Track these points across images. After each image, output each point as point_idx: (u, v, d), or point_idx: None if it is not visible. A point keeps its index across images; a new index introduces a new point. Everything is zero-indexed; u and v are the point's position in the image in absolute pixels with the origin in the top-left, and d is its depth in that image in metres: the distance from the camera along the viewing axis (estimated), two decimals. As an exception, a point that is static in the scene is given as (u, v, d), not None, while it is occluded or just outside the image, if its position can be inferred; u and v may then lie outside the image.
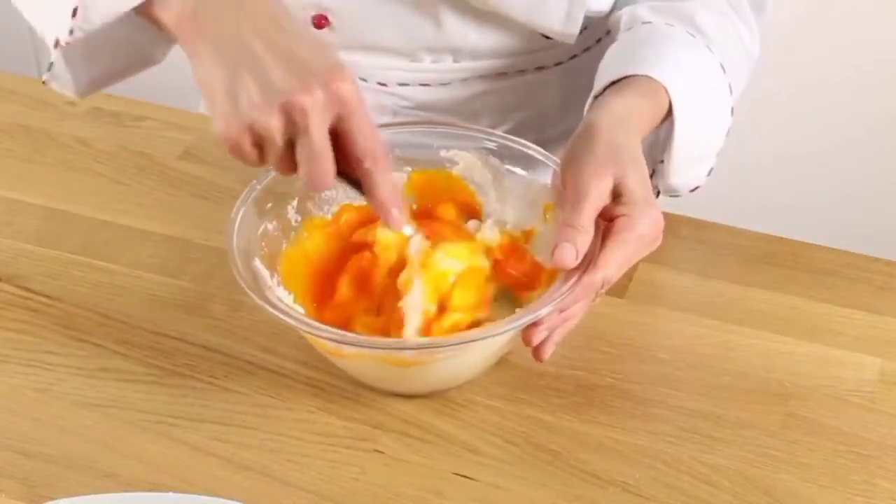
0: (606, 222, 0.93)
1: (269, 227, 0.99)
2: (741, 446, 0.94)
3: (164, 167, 1.20)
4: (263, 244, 0.97)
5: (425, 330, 0.92)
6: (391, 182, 0.89)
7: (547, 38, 1.15)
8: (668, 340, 1.02)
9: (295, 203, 1.00)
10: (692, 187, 1.09)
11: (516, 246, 1.00)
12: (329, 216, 1.02)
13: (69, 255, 1.10)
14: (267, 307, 0.90)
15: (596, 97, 1.02)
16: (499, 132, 1.04)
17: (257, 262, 0.95)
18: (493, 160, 1.03)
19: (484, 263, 0.96)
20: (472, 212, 1.03)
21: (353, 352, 0.93)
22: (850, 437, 0.95)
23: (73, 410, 0.96)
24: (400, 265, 0.95)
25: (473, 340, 0.90)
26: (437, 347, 0.92)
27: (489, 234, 1.00)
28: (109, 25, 0.92)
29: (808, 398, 0.98)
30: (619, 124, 0.97)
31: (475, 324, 0.93)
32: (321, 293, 0.98)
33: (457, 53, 1.17)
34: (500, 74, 1.20)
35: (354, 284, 0.97)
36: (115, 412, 0.96)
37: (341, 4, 1.15)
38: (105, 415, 0.96)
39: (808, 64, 2.00)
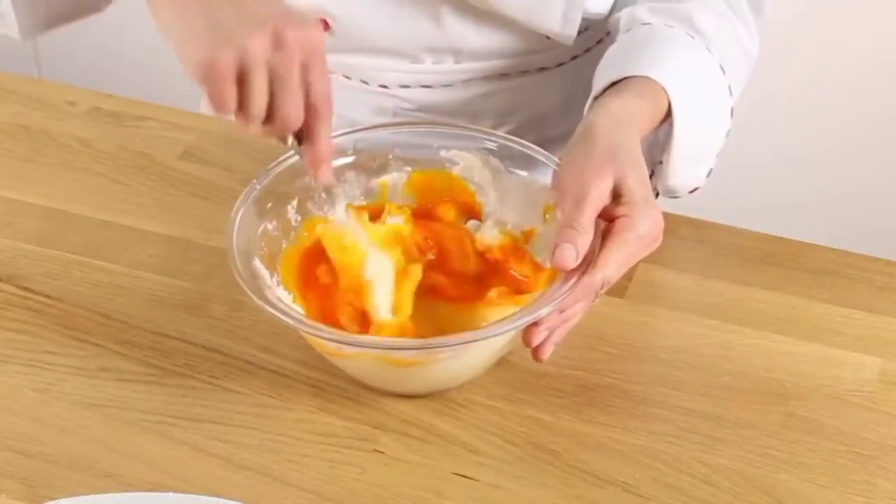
0: (606, 223, 0.93)
1: (269, 226, 0.99)
2: (741, 446, 0.94)
3: (164, 167, 1.20)
4: (263, 244, 0.97)
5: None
6: (330, 137, 0.92)
7: (548, 38, 1.15)
8: (668, 340, 1.02)
9: (295, 203, 1.00)
10: (691, 188, 1.09)
11: (516, 246, 1.00)
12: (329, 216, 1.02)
13: (69, 255, 1.10)
14: (266, 307, 0.90)
15: (595, 98, 1.02)
16: (499, 132, 1.04)
17: (257, 262, 0.95)
18: (494, 160, 1.03)
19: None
20: (472, 212, 1.03)
21: (353, 352, 0.93)
22: (850, 437, 0.95)
23: (73, 410, 0.96)
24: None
25: (473, 340, 0.90)
26: (437, 347, 0.92)
27: (489, 234, 1.00)
28: None
29: (808, 398, 0.98)
30: (619, 125, 0.97)
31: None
32: (310, 285, 0.98)
33: (458, 54, 1.17)
34: (502, 75, 1.20)
35: (332, 273, 0.97)
36: (115, 412, 0.96)
37: (342, 7, 1.15)
38: (105, 415, 0.96)
39: (807, 64, 2.00)
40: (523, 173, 1.02)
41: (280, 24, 0.85)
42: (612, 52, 1.07)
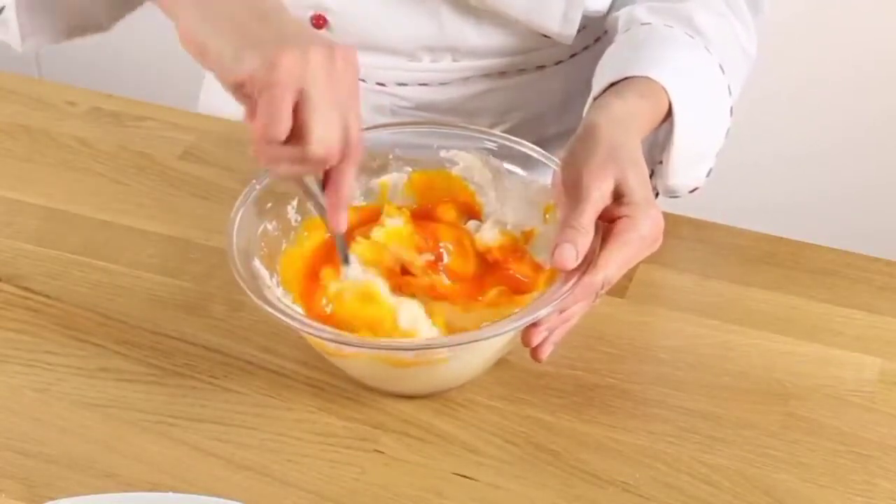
0: (607, 223, 0.93)
1: (269, 227, 0.99)
2: (741, 446, 0.94)
3: (164, 167, 1.20)
4: (263, 244, 0.97)
5: None
6: (353, 183, 0.89)
7: (546, 37, 1.15)
8: (668, 340, 1.02)
9: (295, 203, 1.00)
10: (691, 188, 1.09)
11: (516, 246, 1.00)
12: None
13: (69, 255, 1.10)
14: (266, 307, 0.90)
15: (595, 98, 1.02)
16: (499, 132, 1.04)
17: (257, 262, 0.95)
18: (493, 161, 1.03)
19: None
20: (472, 212, 1.03)
21: (353, 352, 0.93)
22: (850, 437, 0.95)
23: (73, 410, 0.96)
24: None
25: (473, 340, 0.90)
26: (437, 348, 0.92)
27: (489, 234, 1.00)
28: None
29: (808, 398, 0.98)
30: (619, 125, 0.97)
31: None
32: (313, 287, 0.98)
33: (456, 52, 1.17)
34: (500, 74, 1.20)
35: (336, 276, 0.97)
36: (115, 412, 0.96)
37: (340, 4, 1.15)
38: (105, 415, 0.96)
39: (807, 64, 2.00)
40: (523, 173, 1.02)
41: (311, 46, 0.81)
42: (611, 52, 1.07)
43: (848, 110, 2.04)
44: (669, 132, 1.03)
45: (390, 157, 1.04)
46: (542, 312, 0.90)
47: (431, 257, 0.99)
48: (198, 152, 1.21)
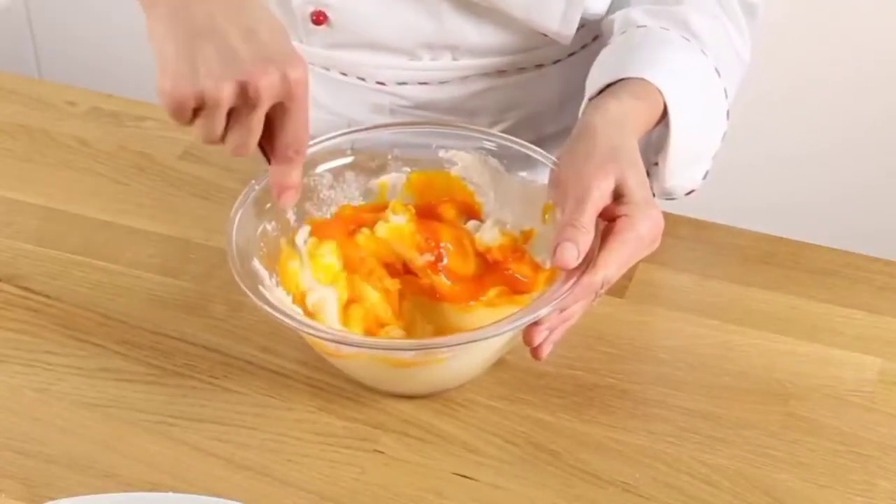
0: (606, 222, 0.93)
1: (268, 227, 0.99)
2: (741, 446, 0.94)
3: (163, 167, 1.20)
4: (262, 244, 0.97)
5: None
6: (300, 173, 0.91)
7: (545, 36, 1.15)
8: (668, 340, 1.02)
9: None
10: (688, 190, 1.09)
11: (516, 246, 1.00)
12: (328, 216, 1.02)
13: (69, 255, 1.10)
14: (266, 307, 0.90)
15: (590, 99, 1.02)
16: (498, 132, 1.04)
17: (256, 263, 0.95)
18: (492, 160, 1.03)
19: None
20: (471, 212, 1.03)
21: (352, 352, 0.93)
22: (850, 437, 0.95)
23: (73, 410, 0.96)
24: None
25: (473, 340, 0.90)
26: (437, 348, 0.92)
27: (488, 234, 1.00)
28: None
29: (808, 398, 0.98)
30: (616, 126, 0.97)
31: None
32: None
33: (456, 51, 1.17)
34: (500, 72, 1.20)
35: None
36: (115, 412, 0.96)
37: (341, 1, 1.15)
38: (105, 415, 0.96)
39: (807, 64, 2.00)
40: (522, 173, 1.02)
41: (257, 70, 0.84)
42: (606, 53, 1.07)
43: (848, 110, 2.04)
44: (664, 134, 1.03)
45: (389, 157, 1.04)
46: (542, 312, 0.90)
47: (432, 258, 0.99)
48: (198, 152, 1.21)
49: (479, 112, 1.21)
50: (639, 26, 1.08)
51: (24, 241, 1.11)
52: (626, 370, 1.00)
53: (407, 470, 0.93)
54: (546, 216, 0.99)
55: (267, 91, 0.84)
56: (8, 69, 1.34)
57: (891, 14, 1.96)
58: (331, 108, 1.22)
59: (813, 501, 0.91)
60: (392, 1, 1.14)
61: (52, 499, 0.87)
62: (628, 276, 1.04)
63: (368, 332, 0.96)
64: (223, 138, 0.88)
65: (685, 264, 1.10)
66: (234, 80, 0.84)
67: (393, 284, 0.98)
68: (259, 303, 0.90)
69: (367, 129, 1.05)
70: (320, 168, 1.03)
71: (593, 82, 1.03)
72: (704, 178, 1.09)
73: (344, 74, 1.21)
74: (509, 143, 1.02)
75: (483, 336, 0.90)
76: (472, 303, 0.98)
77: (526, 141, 1.02)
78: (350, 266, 0.98)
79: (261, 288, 0.92)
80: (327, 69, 1.20)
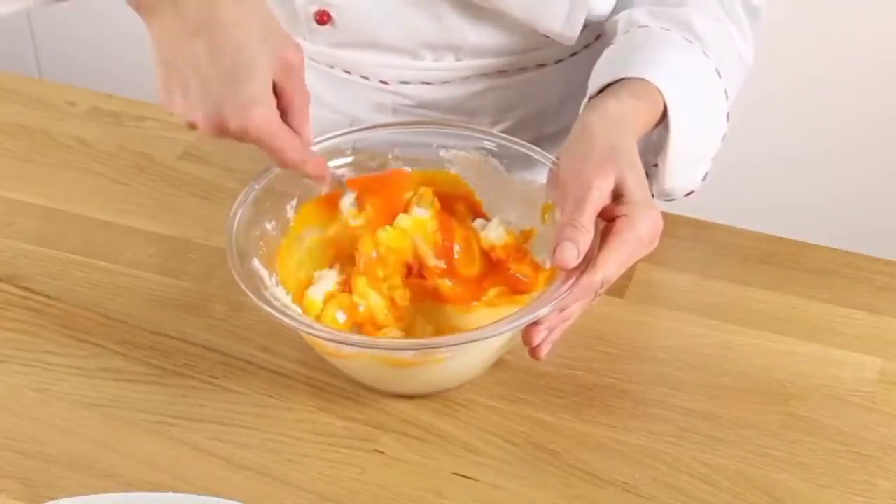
0: (605, 222, 0.93)
1: (268, 226, 0.99)
2: (741, 446, 0.94)
3: (163, 167, 1.20)
4: (262, 244, 0.97)
5: None
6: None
7: (547, 36, 1.15)
8: (668, 340, 1.02)
9: (294, 202, 1.00)
10: (687, 191, 1.09)
11: (519, 246, 1.00)
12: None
13: (69, 255, 1.10)
14: (266, 307, 0.90)
15: (590, 99, 1.02)
16: (498, 132, 1.04)
17: (256, 262, 0.95)
18: (493, 160, 1.03)
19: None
20: (478, 211, 1.03)
21: (352, 352, 0.93)
22: (850, 437, 0.95)
23: (73, 410, 0.96)
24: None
25: (473, 340, 0.90)
26: (437, 348, 0.92)
27: (494, 233, 1.00)
28: None
29: (808, 398, 0.98)
30: (615, 126, 0.97)
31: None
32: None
33: (458, 51, 1.17)
34: (501, 72, 1.20)
35: None
36: (115, 412, 0.96)
37: (345, 1, 1.15)
38: (105, 415, 0.96)
39: (807, 64, 2.00)
40: (522, 173, 1.02)
41: (226, 113, 0.89)
42: (608, 53, 1.07)
43: (848, 110, 2.04)
44: (664, 135, 1.03)
45: (390, 156, 1.04)
46: (542, 312, 0.90)
47: (443, 265, 0.99)
48: (198, 152, 1.21)
49: (480, 111, 1.21)
50: (640, 27, 1.08)
51: (24, 241, 1.11)
52: (626, 370, 1.00)
53: (407, 470, 0.93)
54: (546, 216, 0.99)
55: (236, 131, 0.90)
56: (8, 69, 1.34)
57: (891, 14, 1.96)
58: (334, 106, 1.22)
59: (813, 501, 0.91)
60: (396, 3, 1.14)
61: (52, 499, 0.87)
62: (628, 276, 1.04)
63: (358, 329, 0.96)
64: None
65: (685, 264, 1.10)
66: (206, 120, 0.90)
67: (403, 298, 0.97)
68: (259, 303, 0.90)
69: (367, 128, 1.05)
70: (321, 168, 1.03)
71: (594, 82, 1.03)
72: (704, 179, 1.09)
73: (347, 73, 1.21)
74: (509, 143, 1.02)
75: (482, 336, 0.90)
76: (472, 303, 0.98)
77: (526, 141, 1.02)
78: (363, 266, 0.98)
79: (261, 288, 0.92)
80: (331, 67, 1.20)
